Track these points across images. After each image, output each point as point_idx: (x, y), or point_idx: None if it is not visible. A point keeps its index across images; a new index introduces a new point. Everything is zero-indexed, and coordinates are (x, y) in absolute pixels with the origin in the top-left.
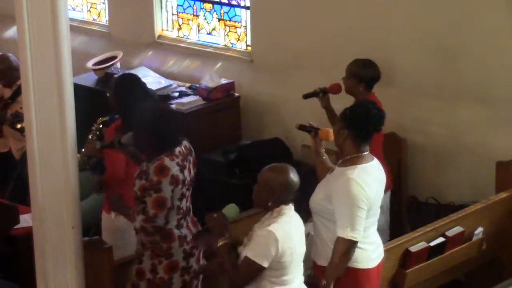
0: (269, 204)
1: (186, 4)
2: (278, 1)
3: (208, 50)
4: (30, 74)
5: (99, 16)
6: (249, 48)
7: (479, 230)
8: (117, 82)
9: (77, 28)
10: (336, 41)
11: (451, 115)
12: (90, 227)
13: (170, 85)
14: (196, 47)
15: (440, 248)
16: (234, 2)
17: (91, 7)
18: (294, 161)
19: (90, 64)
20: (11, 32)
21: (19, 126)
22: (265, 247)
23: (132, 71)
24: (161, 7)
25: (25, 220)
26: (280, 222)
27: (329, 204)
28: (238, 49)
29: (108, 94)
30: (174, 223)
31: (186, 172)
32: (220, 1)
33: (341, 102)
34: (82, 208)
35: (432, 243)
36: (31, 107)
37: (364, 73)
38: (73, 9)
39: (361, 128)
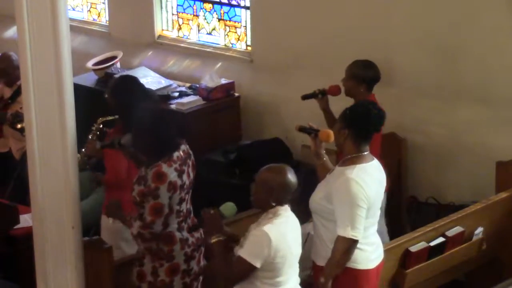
0: (268, 204)
1: (186, 4)
2: (278, 1)
3: (208, 50)
4: (30, 74)
5: (99, 16)
6: (249, 48)
7: (479, 230)
8: (116, 84)
9: (77, 28)
10: (336, 41)
11: (451, 115)
12: (90, 227)
13: (170, 85)
14: (196, 47)
15: (440, 248)
16: (234, 2)
17: (91, 7)
18: (294, 161)
19: (90, 64)
20: (11, 32)
21: (19, 126)
22: (258, 247)
23: (132, 71)
24: (161, 7)
25: (25, 220)
26: (275, 223)
27: (328, 204)
28: (238, 49)
29: (106, 96)
30: (175, 226)
31: (184, 177)
32: (220, 1)
33: (340, 104)
34: (82, 208)
35: (432, 243)
36: (31, 107)
37: (365, 74)
38: (73, 9)
39: (361, 128)
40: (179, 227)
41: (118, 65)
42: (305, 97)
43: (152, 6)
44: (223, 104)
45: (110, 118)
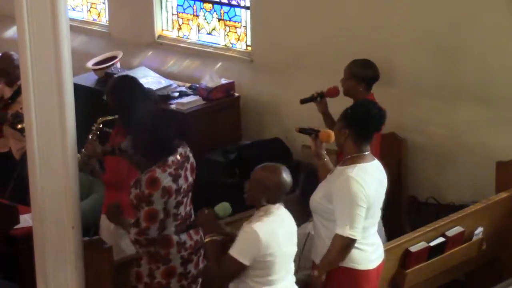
0: (259, 202)
1: (186, 4)
2: (278, 1)
3: (208, 50)
4: (30, 74)
5: (99, 16)
6: (249, 48)
7: (479, 230)
8: (115, 84)
9: (77, 28)
10: (336, 41)
11: (451, 115)
12: (90, 227)
13: (170, 85)
14: (196, 47)
15: (440, 248)
16: (234, 2)
17: (91, 7)
18: (294, 161)
19: (90, 64)
20: (11, 32)
21: (19, 126)
22: (246, 245)
23: (132, 71)
24: (161, 7)
25: (25, 220)
26: (265, 221)
27: (328, 203)
28: (238, 49)
29: (104, 98)
30: (173, 229)
31: (181, 181)
32: (220, 1)
33: (339, 106)
34: (82, 208)
35: (432, 243)
36: (31, 107)
37: (364, 73)
38: (73, 9)
39: (362, 127)
40: (177, 230)
41: (118, 65)
42: (303, 101)
43: (152, 6)
44: (223, 104)
45: (110, 118)
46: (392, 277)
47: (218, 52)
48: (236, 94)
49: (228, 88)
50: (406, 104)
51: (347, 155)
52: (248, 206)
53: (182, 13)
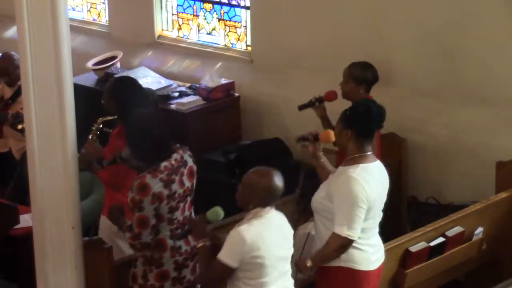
0: (250, 206)
1: (186, 4)
2: (278, 1)
3: (208, 50)
4: (30, 74)
5: (99, 16)
6: (249, 48)
7: (479, 230)
8: (115, 85)
9: (77, 28)
10: (336, 41)
11: (451, 115)
12: (90, 227)
13: (170, 85)
14: (196, 47)
15: (440, 248)
16: (234, 2)
17: (91, 7)
18: (294, 161)
19: (90, 64)
20: (11, 32)
21: (20, 126)
22: (232, 247)
23: (132, 71)
24: (161, 7)
25: (25, 220)
26: (253, 223)
27: (330, 203)
28: (238, 49)
29: (104, 101)
30: (168, 233)
31: (175, 186)
32: (220, 1)
33: (337, 109)
34: (82, 208)
35: (432, 243)
36: (31, 107)
37: (364, 75)
38: (73, 9)
39: (365, 126)
40: (173, 234)
41: (118, 65)
42: (301, 108)
43: (152, 6)
44: (223, 104)
45: (110, 118)
46: (392, 277)
47: (218, 52)
48: (236, 94)
49: (228, 88)
50: (406, 104)
51: (349, 156)
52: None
53: (182, 13)
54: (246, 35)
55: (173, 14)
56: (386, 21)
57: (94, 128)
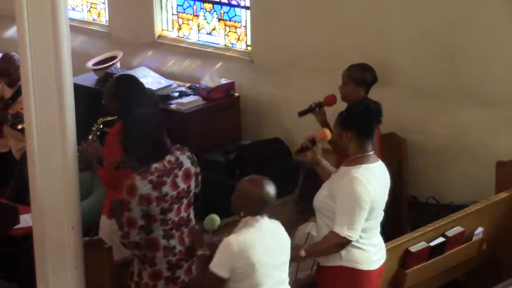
0: (242, 213)
1: (186, 4)
2: (278, 1)
3: (208, 50)
4: (30, 74)
5: (99, 16)
6: (249, 48)
7: (479, 230)
8: (116, 83)
9: (77, 28)
10: (336, 41)
11: (451, 115)
12: (90, 227)
13: (170, 85)
14: (196, 47)
15: (440, 248)
16: (234, 2)
17: (91, 7)
18: (294, 161)
19: (90, 64)
20: (11, 32)
21: (20, 127)
22: (222, 257)
23: (132, 71)
24: (161, 7)
25: (25, 220)
26: (243, 232)
27: (332, 202)
28: (238, 49)
29: (104, 101)
30: (161, 233)
31: (166, 188)
32: (220, 1)
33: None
34: (82, 208)
35: (432, 243)
36: (31, 107)
37: (364, 77)
38: (73, 9)
39: (365, 125)
40: (166, 234)
41: (118, 65)
42: (301, 114)
43: (152, 6)
44: (223, 104)
45: (110, 118)
46: (392, 277)
47: (218, 52)
48: (236, 94)
49: (228, 88)
50: (406, 104)
51: (351, 157)
52: None
53: (182, 13)
54: (246, 35)
55: (173, 14)
56: (386, 22)
57: (94, 128)
